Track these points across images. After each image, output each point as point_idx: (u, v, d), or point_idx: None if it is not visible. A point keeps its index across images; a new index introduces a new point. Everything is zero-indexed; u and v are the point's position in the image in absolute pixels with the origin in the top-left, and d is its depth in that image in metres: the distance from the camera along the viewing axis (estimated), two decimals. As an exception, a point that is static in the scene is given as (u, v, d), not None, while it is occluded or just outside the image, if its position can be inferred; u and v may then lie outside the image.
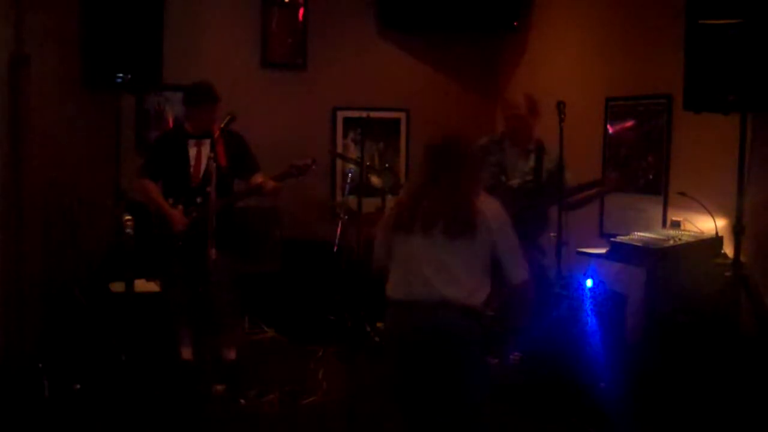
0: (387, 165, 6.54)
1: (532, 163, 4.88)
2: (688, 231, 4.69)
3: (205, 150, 4.72)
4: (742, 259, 4.09)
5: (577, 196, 4.78)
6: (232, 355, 4.97)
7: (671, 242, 4.48)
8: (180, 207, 4.82)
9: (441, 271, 3.26)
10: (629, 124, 5.47)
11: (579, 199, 4.81)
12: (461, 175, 3.39)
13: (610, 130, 5.63)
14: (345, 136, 6.92)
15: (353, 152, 6.74)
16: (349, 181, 6.30)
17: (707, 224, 4.55)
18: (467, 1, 6.75)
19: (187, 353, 4.99)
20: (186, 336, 4.99)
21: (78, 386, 4.59)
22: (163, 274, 5.04)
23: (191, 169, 4.81)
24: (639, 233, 4.75)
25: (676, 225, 4.84)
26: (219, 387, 4.70)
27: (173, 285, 4.95)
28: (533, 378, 4.68)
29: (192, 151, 4.83)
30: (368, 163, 5.59)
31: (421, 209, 3.34)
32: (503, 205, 3.53)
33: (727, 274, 4.03)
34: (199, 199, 4.76)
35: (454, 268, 3.27)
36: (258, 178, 4.89)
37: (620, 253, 4.68)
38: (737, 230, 4.00)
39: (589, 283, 4.89)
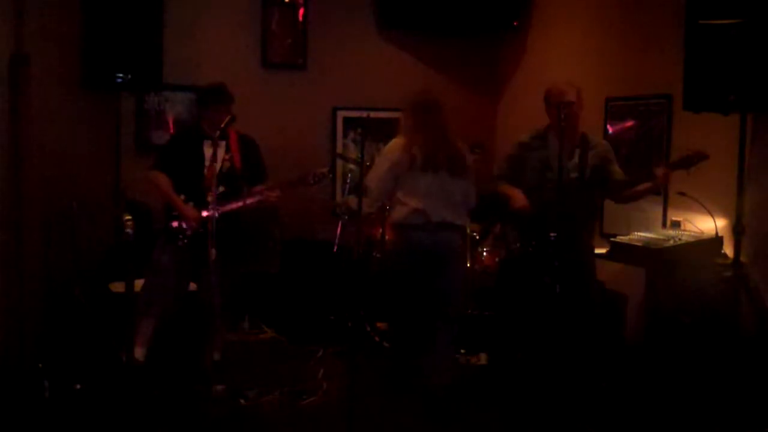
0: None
1: (576, 158, 4.64)
2: (688, 231, 4.69)
3: (221, 151, 4.74)
4: (742, 259, 4.09)
5: (629, 190, 4.64)
6: (216, 356, 4.94)
7: (671, 242, 4.47)
8: (190, 204, 4.83)
9: (447, 202, 4.58)
10: (629, 124, 5.47)
11: (631, 193, 4.65)
12: (447, 122, 4.69)
13: (610, 130, 5.63)
14: (345, 136, 6.92)
15: (353, 152, 6.74)
16: (349, 181, 6.29)
17: (707, 224, 4.55)
18: (467, 1, 6.75)
19: (139, 353, 4.81)
20: (142, 335, 4.85)
21: (78, 386, 4.59)
22: (150, 264, 4.94)
23: (205, 169, 4.81)
24: (639, 233, 4.75)
25: (676, 225, 4.84)
26: (219, 387, 4.70)
27: (155, 281, 4.89)
28: (533, 378, 4.68)
29: (207, 152, 4.82)
30: (368, 163, 5.59)
31: (430, 153, 4.54)
32: (551, 204, 4.35)
33: (727, 274, 4.03)
34: (208, 199, 4.75)
35: (454, 199, 4.62)
36: (261, 189, 4.89)
37: (620, 253, 4.68)
38: (737, 230, 4.00)
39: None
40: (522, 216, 4.65)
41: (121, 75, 4.48)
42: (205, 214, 4.71)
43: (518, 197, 4.66)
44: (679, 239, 4.50)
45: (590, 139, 4.68)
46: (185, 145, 4.92)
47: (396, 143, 4.70)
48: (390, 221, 4.81)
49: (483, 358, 5.52)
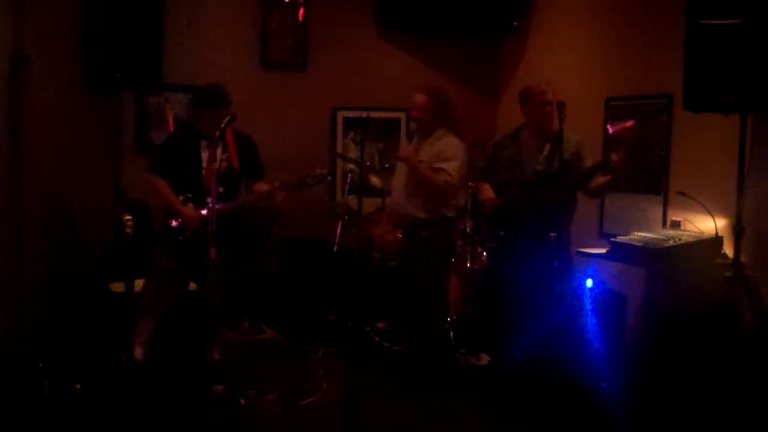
0: (387, 165, 6.54)
1: (546, 152, 4.77)
2: (688, 231, 4.69)
3: (218, 152, 4.73)
4: (742, 259, 4.09)
5: (592, 183, 4.71)
6: (216, 356, 4.93)
7: (671, 242, 4.47)
8: (190, 206, 4.82)
9: None
10: (629, 124, 5.47)
11: (597, 186, 4.72)
12: None
13: (610, 130, 5.63)
14: (345, 136, 6.93)
15: (353, 152, 6.74)
16: (349, 181, 6.29)
17: (707, 224, 4.55)
18: (467, 1, 6.76)
19: (139, 353, 4.83)
20: (142, 335, 4.86)
21: (78, 386, 4.59)
22: (150, 267, 4.94)
23: (203, 170, 4.80)
24: (639, 233, 4.74)
25: (676, 225, 4.84)
26: (219, 387, 4.70)
27: (155, 281, 4.89)
28: (533, 378, 4.68)
29: (204, 152, 4.81)
30: (368, 163, 5.60)
31: None
32: (517, 198, 4.52)
33: (727, 274, 4.03)
34: (209, 200, 4.75)
35: None
36: (262, 186, 4.88)
37: (620, 253, 4.68)
38: (737, 230, 4.00)
39: (589, 283, 4.89)
40: (490, 209, 4.82)
41: (121, 74, 4.49)
42: (203, 213, 4.71)
43: (485, 191, 4.84)
44: (679, 239, 4.50)
45: (564, 135, 4.73)
46: (182, 146, 4.90)
47: (462, 145, 4.98)
48: (460, 208, 5.18)
49: (483, 358, 5.52)
